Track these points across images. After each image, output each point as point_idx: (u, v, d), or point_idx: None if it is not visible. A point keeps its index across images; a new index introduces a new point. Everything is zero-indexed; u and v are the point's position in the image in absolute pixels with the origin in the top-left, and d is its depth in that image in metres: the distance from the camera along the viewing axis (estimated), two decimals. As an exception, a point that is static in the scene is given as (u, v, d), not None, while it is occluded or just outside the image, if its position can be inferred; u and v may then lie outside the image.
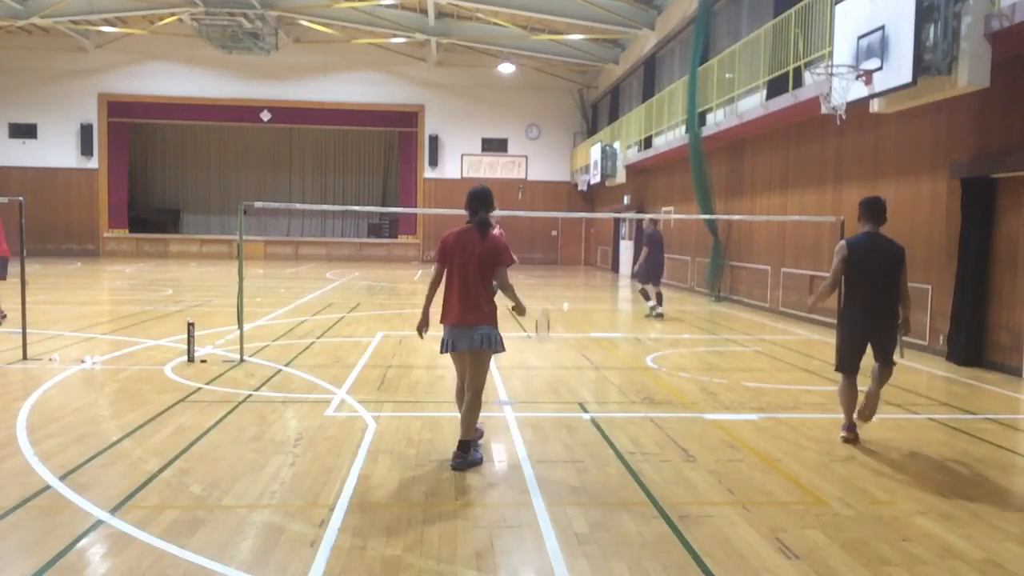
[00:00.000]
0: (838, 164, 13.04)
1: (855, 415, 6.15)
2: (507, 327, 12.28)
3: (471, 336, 5.21)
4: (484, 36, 29.07)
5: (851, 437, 5.98)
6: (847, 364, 6.11)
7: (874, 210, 6.03)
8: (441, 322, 5.30)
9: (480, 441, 5.64)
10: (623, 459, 5.43)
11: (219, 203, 35.35)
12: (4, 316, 11.47)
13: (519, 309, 5.37)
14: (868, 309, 5.94)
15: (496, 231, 13.81)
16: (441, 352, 5.39)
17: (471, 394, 5.33)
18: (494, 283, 5.36)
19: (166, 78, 31.59)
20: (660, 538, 4.08)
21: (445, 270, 5.34)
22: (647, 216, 16.90)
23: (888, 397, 7.68)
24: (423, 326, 5.44)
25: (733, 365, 9.51)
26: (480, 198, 5.37)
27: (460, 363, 5.45)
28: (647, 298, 14.23)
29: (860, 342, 6.04)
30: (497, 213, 12.97)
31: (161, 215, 35.05)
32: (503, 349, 5.44)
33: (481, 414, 6.16)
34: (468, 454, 5.25)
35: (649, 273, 14.17)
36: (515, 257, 5.59)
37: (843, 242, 6.05)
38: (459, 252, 5.28)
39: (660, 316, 13.98)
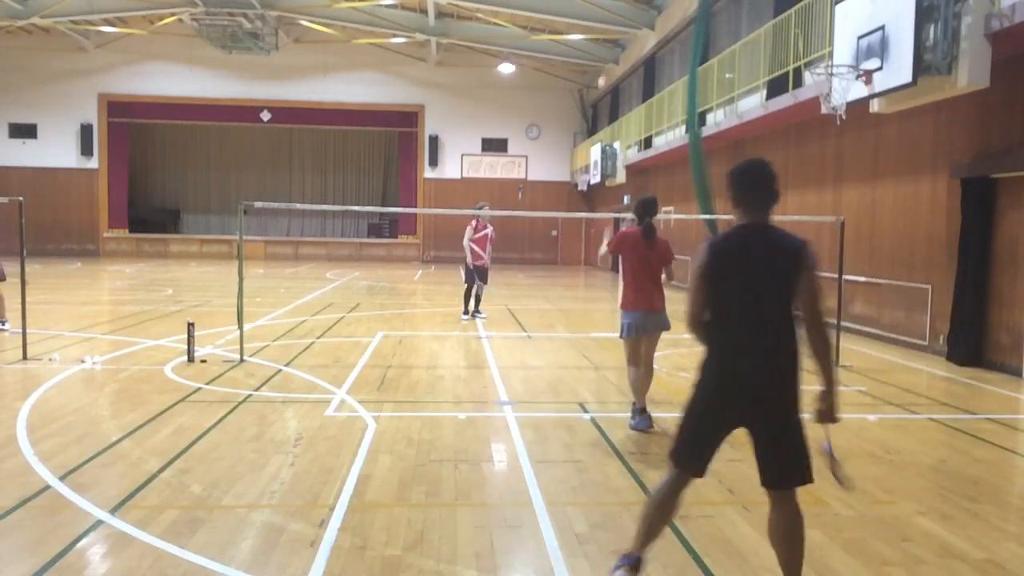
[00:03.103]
0: (838, 164, 13.03)
1: None
2: (507, 327, 12.33)
3: (657, 320, 6.18)
4: (484, 36, 29.07)
5: None
6: (684, 454, 3.35)
7: (751, 182, 3.27)
8: (624, 309, 6.20)
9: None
10: (623, 459, 5.43)
11: (219, 203, 35.32)
12: (4, 322, 11.03)
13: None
14: (735, 363, 3.28)
15: (489, 231, 13.76)
16: (623, 336, 6.23)
17: (647, 367, 6.27)
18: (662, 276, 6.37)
19: (166, 78, 31.59)
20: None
21: (618, 258, 6.45)
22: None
23: (888, 397, 7.67)
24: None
25: (733, 365, 9.49)
26: (642, 205, 6.26)
27: (639, 345, 6.23)
28: None
29: (712, 423, 3.31)
30: (496, 213, 13.31)
31: (161, 215, 35.03)
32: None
33: (481, 414, 6.80)
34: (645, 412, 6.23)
35: None
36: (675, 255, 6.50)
37: (706, 243, 3.34)
38: (630, 249, 6.20)
39: None
